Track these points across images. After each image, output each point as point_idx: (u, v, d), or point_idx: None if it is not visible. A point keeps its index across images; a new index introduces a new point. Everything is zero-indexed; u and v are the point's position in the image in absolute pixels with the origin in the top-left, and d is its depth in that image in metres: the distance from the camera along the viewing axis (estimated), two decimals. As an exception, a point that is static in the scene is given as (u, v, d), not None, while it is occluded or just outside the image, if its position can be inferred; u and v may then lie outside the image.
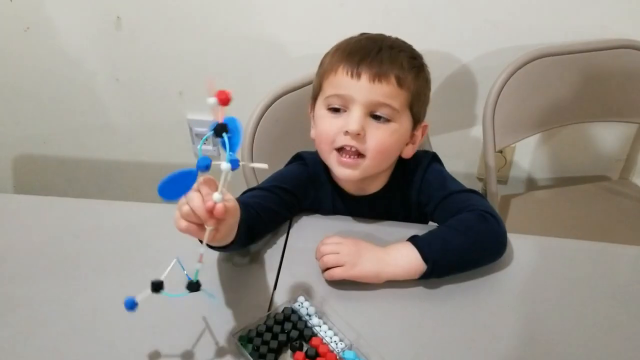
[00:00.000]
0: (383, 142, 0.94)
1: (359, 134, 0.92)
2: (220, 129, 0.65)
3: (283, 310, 0.83)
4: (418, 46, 1.02)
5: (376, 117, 0.93)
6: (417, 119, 0.99)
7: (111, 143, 1.89)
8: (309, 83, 1.07)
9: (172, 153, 1.88)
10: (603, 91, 1.46)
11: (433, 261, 0.87)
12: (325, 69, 0.97)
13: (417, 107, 0.97)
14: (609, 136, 1.67)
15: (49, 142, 1.92)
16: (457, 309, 0.87)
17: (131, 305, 0.71)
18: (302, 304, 0.85)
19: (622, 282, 0.94)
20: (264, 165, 0.71)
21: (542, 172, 1.76)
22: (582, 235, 1.40)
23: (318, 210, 1.06)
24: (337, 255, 0.88)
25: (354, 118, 0.92)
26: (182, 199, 0.70)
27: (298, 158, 1.07)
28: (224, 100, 0.64)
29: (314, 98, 1.01)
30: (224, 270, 0.93)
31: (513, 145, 1.59)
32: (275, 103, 1.19)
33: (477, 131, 1.63)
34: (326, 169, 1.04)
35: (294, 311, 0.83)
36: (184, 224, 0.70)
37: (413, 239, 0.90)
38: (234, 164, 0.65)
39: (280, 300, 0.87)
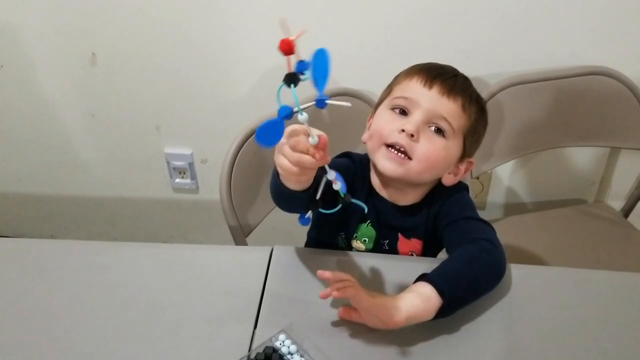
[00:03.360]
0: (432, 151, 0.96)
1: (412, 135, 0.94)
2: (289, 79, 0.69)
3: (264, 350, 0.82)
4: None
5: (433, 130, 0.97)
6: (466, 151, 1.02)
7: (88, 179, 1.87)
8: (285, 118, 1.07)
9: (150, 188, 1.87)
10: (575, 116, 1.48)
11: (449, 293, 0.85)
12: (400, 76, 1.03)
13: (470, 140, 1.02)
14: (583, 160, 1.69)
15: (24, 180, 1.89)
16: (442, 344, 0.86)
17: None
18: (283, 342, 0.84)
19: (605, 308, 0.94)
20: (347, 104, 0.71)
21: (519, 197, 1.78)
22: (560, 259, 1.40)
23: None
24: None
25: (413, 119, 0.96)
26: (282, 150, 0.77)
27: (346, 155, 1.09)
28: (287, 49, 0.66)
29: (378, 105, 1.05)
30: (202, 308, 0.92)
31: (489, 171, 1.61)
32: (252, 137, 1.19)
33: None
34: (368, 172, 1.07)
35: (275, 350, 0.82)
36: (295, 167, 0.77)
37: (423, 276, 0.88)
38: (320, 103, 0.70)
39: (261, 338, 0.86)
